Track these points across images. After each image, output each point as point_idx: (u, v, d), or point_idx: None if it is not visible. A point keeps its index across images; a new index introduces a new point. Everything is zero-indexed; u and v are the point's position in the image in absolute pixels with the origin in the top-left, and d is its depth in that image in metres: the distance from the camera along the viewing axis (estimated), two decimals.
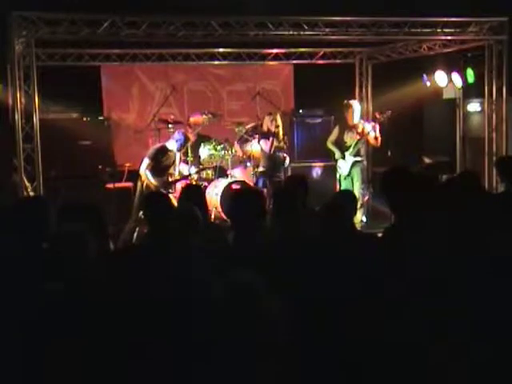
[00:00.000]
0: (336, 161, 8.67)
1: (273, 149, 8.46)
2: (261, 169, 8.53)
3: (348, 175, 8.50)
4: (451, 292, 2.73)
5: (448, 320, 2.55)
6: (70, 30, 7.01)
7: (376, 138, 8.41)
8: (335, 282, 2.88)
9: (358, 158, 8.50)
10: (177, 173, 8.17)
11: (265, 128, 8.62)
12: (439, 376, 2.34)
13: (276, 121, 8.50)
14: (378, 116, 8.50)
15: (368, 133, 8.37)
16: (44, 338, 2.52)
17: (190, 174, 8.27)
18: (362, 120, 8.68)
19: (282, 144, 8.57)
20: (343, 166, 8.54)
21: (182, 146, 8.04)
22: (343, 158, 8.50)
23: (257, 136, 8.68)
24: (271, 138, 8.43)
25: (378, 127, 8.43)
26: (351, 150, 8.44)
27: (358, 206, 8.16)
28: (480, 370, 2.35)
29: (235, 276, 1.98)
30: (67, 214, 3.69)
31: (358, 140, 8.42)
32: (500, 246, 3.02)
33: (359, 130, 8.45)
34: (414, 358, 2.40)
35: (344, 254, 3.26)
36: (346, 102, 8.76)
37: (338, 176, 8.72)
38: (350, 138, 8.50)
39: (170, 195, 6.91)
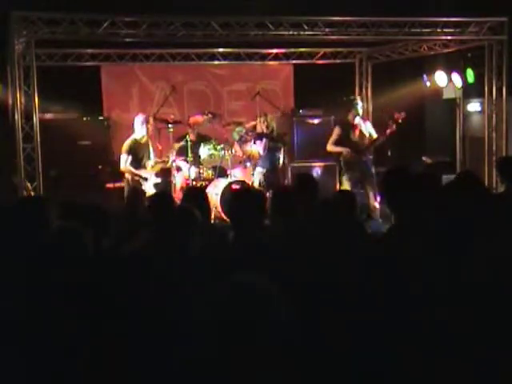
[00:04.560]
0: (340, 160, 8.41)
1: (266, 150, 8.45)
2: (259, 170, 8.51)
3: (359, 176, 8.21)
4: (451, 292, 2.73)
5: (447, 320, 2.55)
6: (69, 29, 7.03)
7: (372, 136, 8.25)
8: (335, 281, 2.89)
9: (370, 157, 8.27)
10: (151, 161, 8.10)
11: (258, 129, 8.65)
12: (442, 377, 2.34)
13: (267, 122, 8.50)
14: (396, 116, 8.04)
15: (371, 134, 8.22)
16: (44, 338, 2.52)
17: (174, 160, 8.26)
18: (361, 120, 8.34)
19: (279, 144, 8.56)
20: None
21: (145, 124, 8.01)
22: (355, 157, 8.16)
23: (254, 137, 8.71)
24: (264, 140, 8.44)
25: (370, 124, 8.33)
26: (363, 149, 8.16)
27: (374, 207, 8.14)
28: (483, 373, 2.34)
29: (241, 277, 1.96)
30: (70, 213, 3.70)
31: (372, 142, 8.20)
32: (500, 247, 3.02)
33: (363, 132, 8.20)
34: (413, 357, 2.40)
35: (343, 253, 3.26)
36: (353, 97, 8.65)
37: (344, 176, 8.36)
38: (357, 138, 8.21)
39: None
